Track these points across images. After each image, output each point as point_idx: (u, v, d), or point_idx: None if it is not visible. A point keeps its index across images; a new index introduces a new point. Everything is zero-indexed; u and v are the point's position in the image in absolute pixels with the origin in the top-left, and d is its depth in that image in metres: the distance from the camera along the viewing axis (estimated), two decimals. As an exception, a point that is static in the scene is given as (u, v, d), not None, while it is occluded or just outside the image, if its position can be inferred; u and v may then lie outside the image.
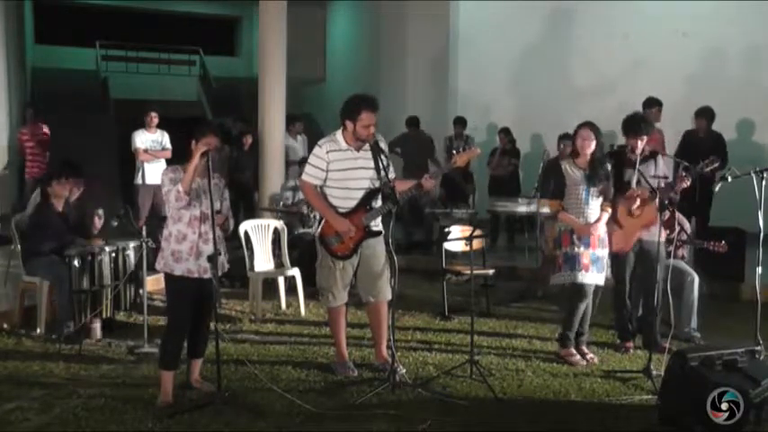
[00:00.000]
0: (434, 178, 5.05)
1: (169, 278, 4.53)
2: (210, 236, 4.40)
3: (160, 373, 4.54)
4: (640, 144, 5.41)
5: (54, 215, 6.07)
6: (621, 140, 5.70)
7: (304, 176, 5.09)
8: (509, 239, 10.51)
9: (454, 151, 5.12)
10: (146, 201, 9.18)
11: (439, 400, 4.57)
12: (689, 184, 5.39)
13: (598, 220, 5.34)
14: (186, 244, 4.47)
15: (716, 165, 5.35)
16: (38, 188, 6.68)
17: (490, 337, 6.04)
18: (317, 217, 5.20)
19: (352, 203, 4.97)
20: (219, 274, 4.53)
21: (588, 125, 5.37)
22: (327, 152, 4.96)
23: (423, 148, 10.98)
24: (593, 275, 5.34)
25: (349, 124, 4.91)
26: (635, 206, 5.41)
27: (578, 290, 5.33)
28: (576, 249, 5.29)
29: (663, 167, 5.60)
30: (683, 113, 8.85)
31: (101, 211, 6.26)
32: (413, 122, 11.15)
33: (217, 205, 4.50)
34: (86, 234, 6.21)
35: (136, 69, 19.12)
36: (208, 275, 4.45)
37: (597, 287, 5.49)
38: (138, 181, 9.29)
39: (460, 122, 10.97)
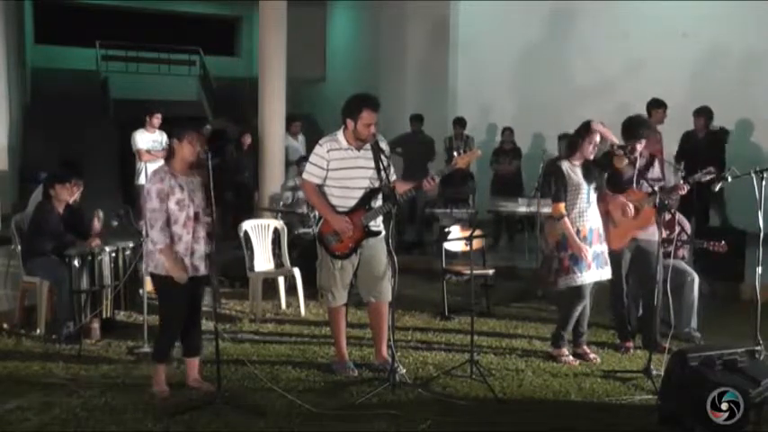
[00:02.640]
0: (435, 180, 5.02)
1: (160, 279, 4.55)
2: (201, 234, 4.51)
3: (153, 366, 4.63)
4: (639, 147, 5.44)
5: (54, 215, 6.07)
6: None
7: (305, 175, 5.10)
8: (509, 239, 10.51)
9: (455, 153, 5.11)
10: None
11: (439, 400, 4.57)
12: (686, 191, 5.42)
13: (586, 250, 5.26)
14: (182, 245, 4.50)
15: (712, 176, 5.37)
16: (39, 187, 6.68)
17: (490, 337, 6.04)
18: (317, 216, 5.20)
19: (352, 203, 4.97)
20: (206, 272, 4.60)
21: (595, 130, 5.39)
22: (328, 151, 4.97)
23: (424, 149, 10.97)
24: (595, 272, 5.34)
25: (350, 123, 4.92)
26: (630, 213, 5.42)
27: (579, 291, 5.34)
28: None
29: (658, 171, 5.64)
30: (684, 114, 8.85)
31: (101, 213, 6.25)
32: (417, 119, 11.10)
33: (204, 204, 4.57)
34: (85, 235, 6.20)
35: (136, 69, 19.11)
36: (200, 273, 4.54)
37: (593, 284, 5.52)
38: (141, 181, 9.25)
39: (460, 123, 10.97)
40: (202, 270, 4.55)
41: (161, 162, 8.98)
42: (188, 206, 4.49)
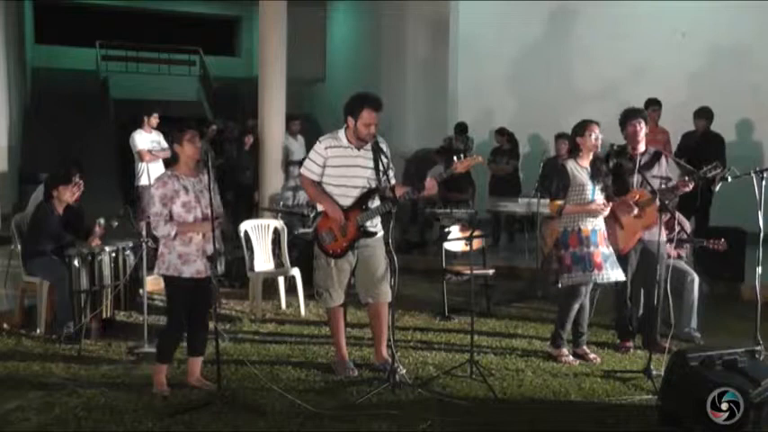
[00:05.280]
0: (432, 185, 4.98)
1: (172, 281, 4.55)
2: (216, 234, 4.48)
3: (155, 366, 4.64)
4: (639, 129, 5.40)
5: (54, 216, 6.07)
6: (621, 140, 5.69)
7: (302, 170, 5.14)
8: (509, 239, 10.51)
9: (455, 158, 5.09)
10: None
11: (439, 400, 4.57)
12: (690, 188, 5.38)
13: (605, 204, 5.28)
14: (193, 246, 4.51)
15: (718, 171, 5.32)
16: (39, 187, 6.68)
17: (490, 337, 6.04)
18: (315, 215, 5.20)
19: (350, 201, 4.96)
20: (219, 273, 4.59)
21: (595, 122, 5.36)
22: (326, 148, 4.97)
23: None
24: (609, 273, 5.27)
25: (350, 121, 4.91)
26: (633, 213, 5.37)
27: (576, 290, 5.33)
28: (587, 249, 5.23)
29: (665, 168, 5.57)
30: (684, 114, 8.84)
31: (102, 221, 6.21)
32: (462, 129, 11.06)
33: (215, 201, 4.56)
34: (85, 235, 6.20)
35: (136, 69, 19.14)
36: (218, 272, 4.59)
37: (596, 285, 5.50)
38: (144, 182, 9.19)
39: (460, 129, 10.92)
40: (219, 269, 4.60)
41: (160, 161, 9.10)
42: (195, 207, 4.50)
